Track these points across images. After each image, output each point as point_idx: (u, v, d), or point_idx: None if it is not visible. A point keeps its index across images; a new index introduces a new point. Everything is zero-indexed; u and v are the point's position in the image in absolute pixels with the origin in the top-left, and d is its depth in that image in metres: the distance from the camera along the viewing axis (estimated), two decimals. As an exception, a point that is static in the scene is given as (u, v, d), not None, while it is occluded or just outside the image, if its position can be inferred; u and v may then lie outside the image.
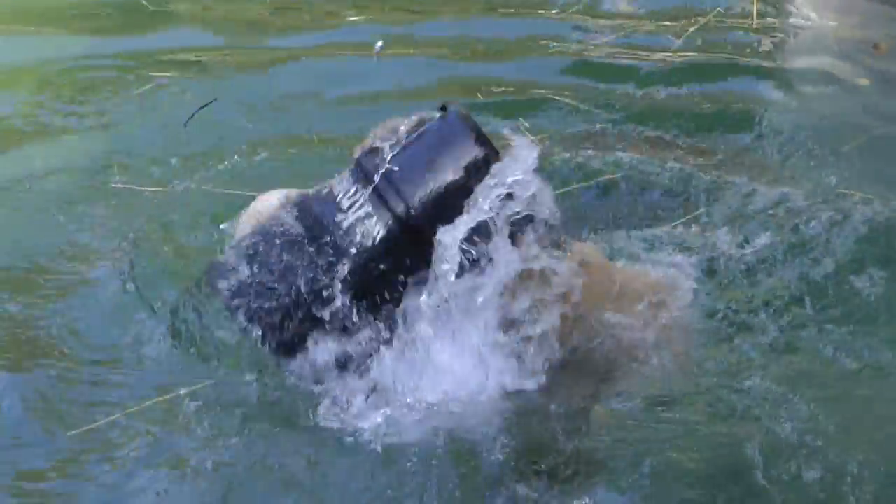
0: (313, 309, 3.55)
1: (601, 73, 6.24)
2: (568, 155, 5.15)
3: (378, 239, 3.55)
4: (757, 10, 6.96)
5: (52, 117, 5.85)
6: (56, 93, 6.11)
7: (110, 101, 5.97)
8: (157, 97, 5.98)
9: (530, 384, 3.68)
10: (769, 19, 6.93)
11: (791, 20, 6.97)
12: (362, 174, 3.59)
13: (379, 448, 3.52)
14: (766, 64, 6.38)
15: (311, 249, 3.55)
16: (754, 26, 6.83)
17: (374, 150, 3.61)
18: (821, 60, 6.45)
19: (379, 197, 3.55)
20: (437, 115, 3.65)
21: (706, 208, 4.79)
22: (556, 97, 5.85)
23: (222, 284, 3.55)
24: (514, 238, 3.57)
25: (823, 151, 5.29)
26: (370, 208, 3.56)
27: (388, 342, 3.62)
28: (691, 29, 6.70)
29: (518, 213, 3.54)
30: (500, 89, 6.05)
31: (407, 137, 3.61)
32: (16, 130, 5.75)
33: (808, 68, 6.40)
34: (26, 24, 7.11)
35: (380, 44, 6.21)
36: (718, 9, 6.94)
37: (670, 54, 6.41)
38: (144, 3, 7.27)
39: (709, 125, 5.62)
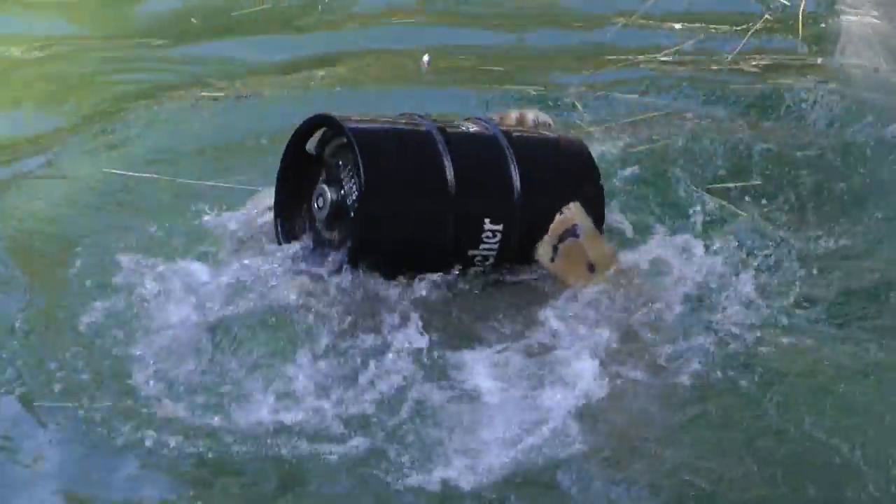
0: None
1: (653, 79, 6.23)
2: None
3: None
4: (804, 12, 6.92)
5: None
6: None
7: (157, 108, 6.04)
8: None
9: None
10: (817, 22, 6.92)
11: (840, 19, 6.93)
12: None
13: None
14: (815, 64, 6.39)
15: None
16: (803, 27, 6.80)
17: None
18: (870, 59, 6.41)
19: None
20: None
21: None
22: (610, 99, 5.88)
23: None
24: None
25: (873, 150, 5.26)
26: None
27: None
28: (749, 32, 6.68)
29: None
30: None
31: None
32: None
33: (857, 67, 6.36)
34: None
35: (426, 57, 6.24)
36: (767, 15, 6.90)
37: (725, 58, 6.41)
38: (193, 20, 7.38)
39: (760, 127, 5.62)
